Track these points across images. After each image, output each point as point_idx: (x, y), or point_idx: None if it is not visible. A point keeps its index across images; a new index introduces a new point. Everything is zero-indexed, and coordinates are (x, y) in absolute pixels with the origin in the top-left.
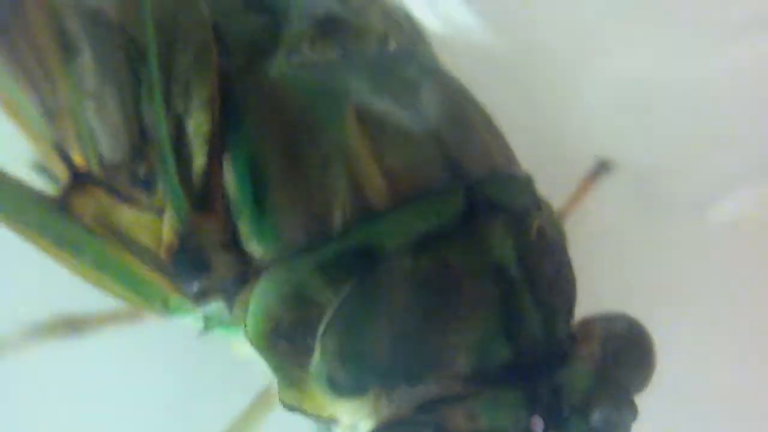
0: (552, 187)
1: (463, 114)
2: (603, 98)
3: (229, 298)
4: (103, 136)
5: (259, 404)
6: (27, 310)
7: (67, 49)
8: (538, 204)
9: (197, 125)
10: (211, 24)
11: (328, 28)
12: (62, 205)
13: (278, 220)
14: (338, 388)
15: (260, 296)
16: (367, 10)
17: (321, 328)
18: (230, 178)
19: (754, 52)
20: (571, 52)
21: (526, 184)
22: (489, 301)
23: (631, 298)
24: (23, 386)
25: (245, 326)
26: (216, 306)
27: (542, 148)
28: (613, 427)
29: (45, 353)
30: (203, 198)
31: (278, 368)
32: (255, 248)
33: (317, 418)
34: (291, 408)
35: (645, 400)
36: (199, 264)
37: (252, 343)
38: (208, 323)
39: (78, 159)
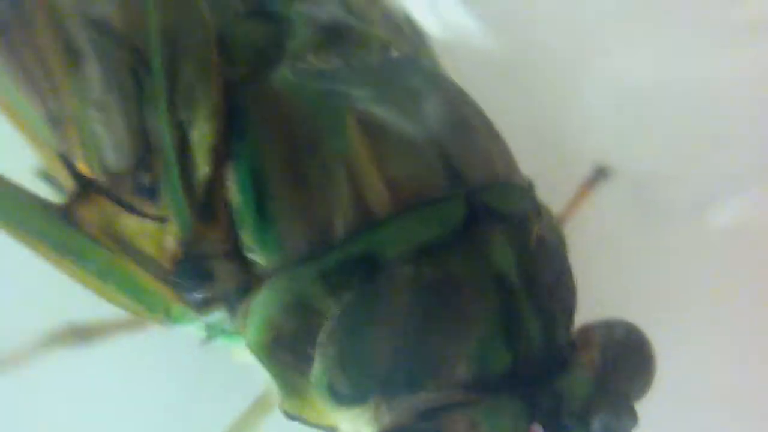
0: (550, 189)
1: (464, 121)
2: (602, 101)
3: (232, 307)
4: (108, 145)
5: (258, 408)
6: (27, 319)
7: (73, 59)
8: (538, 210)
9: (201, 135)
10: (215, 33)
11: (333, 35)
12: (66, 213)
13: (281, 229)
14: (339, 397)
15: (262, 305)
16: (370, 15)
17: (322, 337)
18: (233, 188)
19: (753, 54)
20: (571, 54)
21: (526, 190)
22: (489, 309)
23: (630, 303)
24: (24, 393)
25: (247, 335)
26: (218, 315)
27: (541, 151)
28: None
29: (45, 360)
30: (207, 207)
31: (279, 377)
32: (257, 257)
33: (318, 426)
34: (292, 417)
35: (644, 405)
36: (202, 273)
37: (253, 352)
38: (211, 332)
39: (82, 167)
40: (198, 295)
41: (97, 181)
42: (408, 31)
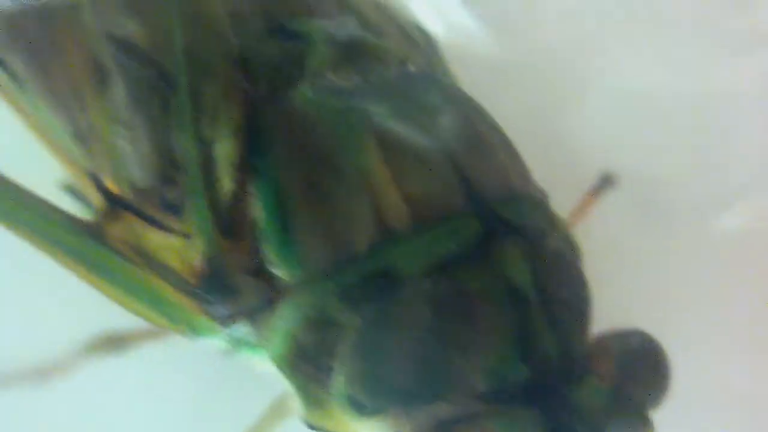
0: (552, 191)
1: (480, 136)
2: (607, 108)
3: (255, 320)
4: (134, 162)
5: (273, 413)
6: (54, 331)
7: (100, 78)
8: (553, 223)
9: (225, 153)
10: (238, 52)
11: (351, 52)
12: (96, 230)
13: (302, 245)
14: (359, 407)
15: (284, 320)
16: (386, 30)
17: (342, 349)
18: (256, 204)
19: (758, 62)
20: (575, 62)
21: (541, 203)
22: (505, 322)
23: (634, 307)
24: (45, 403)
25: (269, 348)
26: (241, 328)
27: (543, 154)
28: None
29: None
30: (230, 223)
31: (301, 388)
32: (280, 272)
33: None
34: (314, 427)
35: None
36: (226, 288)
37: (276, 365)
38: (234, 345)
39: (110, 184)
40: (222, 309)
41: (124, 197)
42: (422, 42)
